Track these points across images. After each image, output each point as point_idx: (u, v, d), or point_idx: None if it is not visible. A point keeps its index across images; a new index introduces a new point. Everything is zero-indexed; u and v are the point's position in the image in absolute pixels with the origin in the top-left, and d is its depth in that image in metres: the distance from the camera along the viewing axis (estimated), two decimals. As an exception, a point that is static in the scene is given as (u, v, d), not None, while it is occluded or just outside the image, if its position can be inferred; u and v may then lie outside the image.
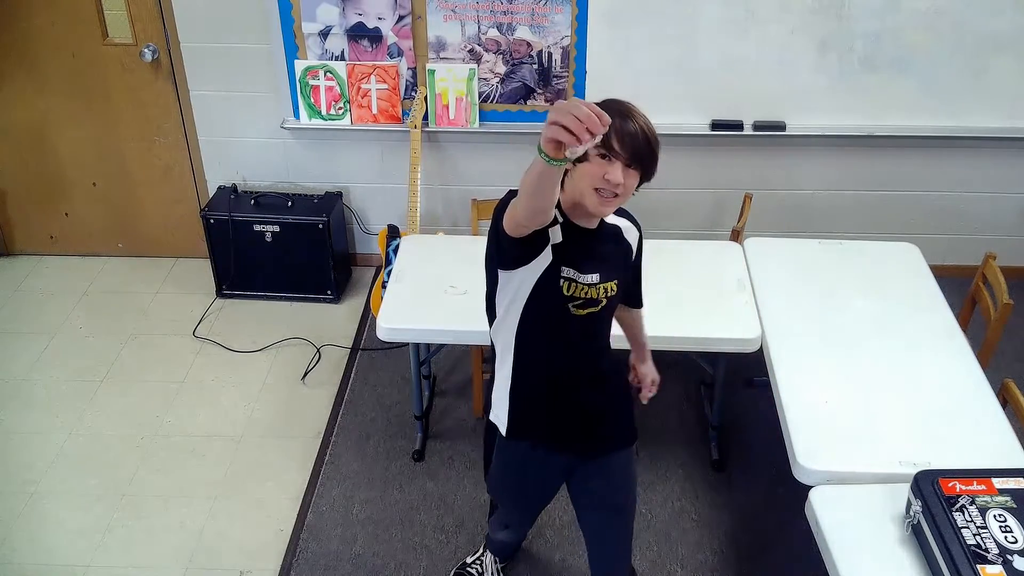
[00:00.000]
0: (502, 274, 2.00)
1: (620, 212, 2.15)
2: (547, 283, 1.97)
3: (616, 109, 1.89)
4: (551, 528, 2.96)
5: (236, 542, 2.97)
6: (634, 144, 1.89)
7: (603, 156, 1.87)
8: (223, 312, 4.06)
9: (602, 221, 2.07)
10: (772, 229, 4.04)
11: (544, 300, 2.00)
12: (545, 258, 1.94)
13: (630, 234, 2.17)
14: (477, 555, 2.84)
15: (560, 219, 1.97)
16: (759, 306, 2.93)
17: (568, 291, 1.98)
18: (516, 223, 1.82)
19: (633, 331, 2.42)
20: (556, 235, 1.95)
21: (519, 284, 1.99)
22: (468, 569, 2.81)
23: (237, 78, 3.88)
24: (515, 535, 2.77)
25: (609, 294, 2.06)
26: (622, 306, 2.26)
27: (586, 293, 2.01)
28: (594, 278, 2.01)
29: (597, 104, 1.60)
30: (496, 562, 2.81)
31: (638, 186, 1.97)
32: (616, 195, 1.91)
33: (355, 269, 4.35)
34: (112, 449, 3.32)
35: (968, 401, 2.54)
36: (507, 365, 2.14)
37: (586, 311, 2.03)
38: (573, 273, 1.98)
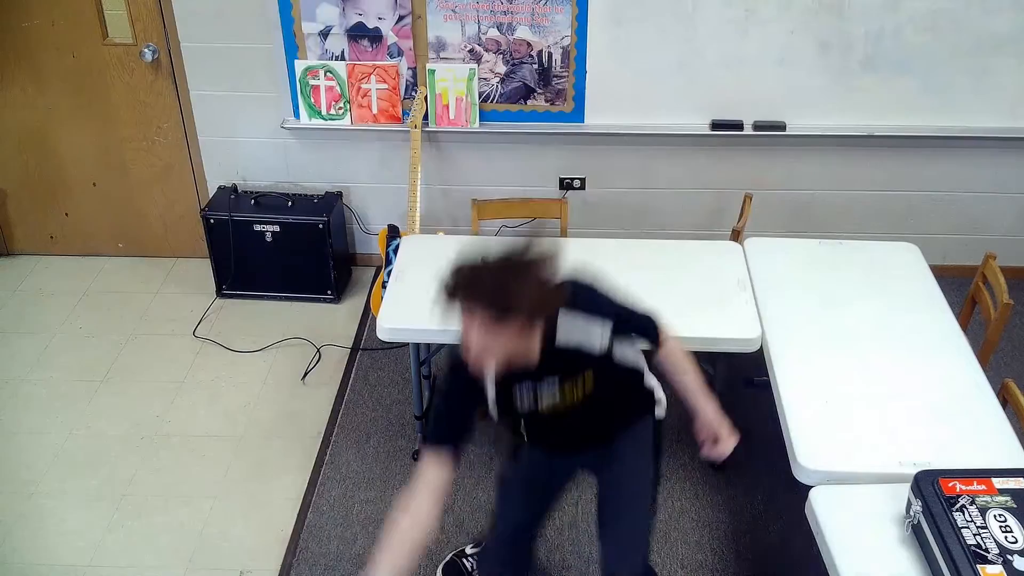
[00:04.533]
0: None
1: (577, 306, 1.94)
2: (508, 404, 2.00)
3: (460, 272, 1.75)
4: (551, 528, 2.96)
5: (236, 542, 2.97)
6: (480, 293, 1.71)
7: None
8: (223, 312, 4.06)
9: (550, 347, 1.90)
10: (772, 229, 4.04)
11: (514, 413, 2.03)
12: (489, 394, 1.95)
13: (594, 337, 1.96)
14: (475, 546, 2.84)
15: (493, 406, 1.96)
16: (759, 306, 2.92)
17: (530, 405, 2.00)
18: None
19: (674, 377, 2.14)
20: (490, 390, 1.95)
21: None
22: (464, 560, 2.81)
23: (237, 78, 3.88)
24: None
25: (582, 389, 1.99)
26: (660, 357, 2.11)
27: (553, 400, 1.99)
28: (552, 383, 1.98)
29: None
30: None
31: (546, 345, 1.85)
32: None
33: (355, 269, 4.35)
34: (112, 449, 3.32)
35: (968, 401, 2.53)
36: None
37: (564, 410, 2.02)
38: (529, 385, 1.97)
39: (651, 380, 2.23)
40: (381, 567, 1.78)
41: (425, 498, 1.87)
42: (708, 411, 2.09)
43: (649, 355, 2.14)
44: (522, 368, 1.88)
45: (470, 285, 1.71)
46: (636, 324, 2.08)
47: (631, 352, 2.11)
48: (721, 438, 2.06)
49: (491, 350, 1.75)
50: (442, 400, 2.01)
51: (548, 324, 1.84)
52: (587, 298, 1.97)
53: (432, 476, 1.89)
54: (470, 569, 2.79)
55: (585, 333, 1.94)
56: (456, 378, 1.97)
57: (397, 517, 1.84)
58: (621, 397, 2.18)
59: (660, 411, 2.27)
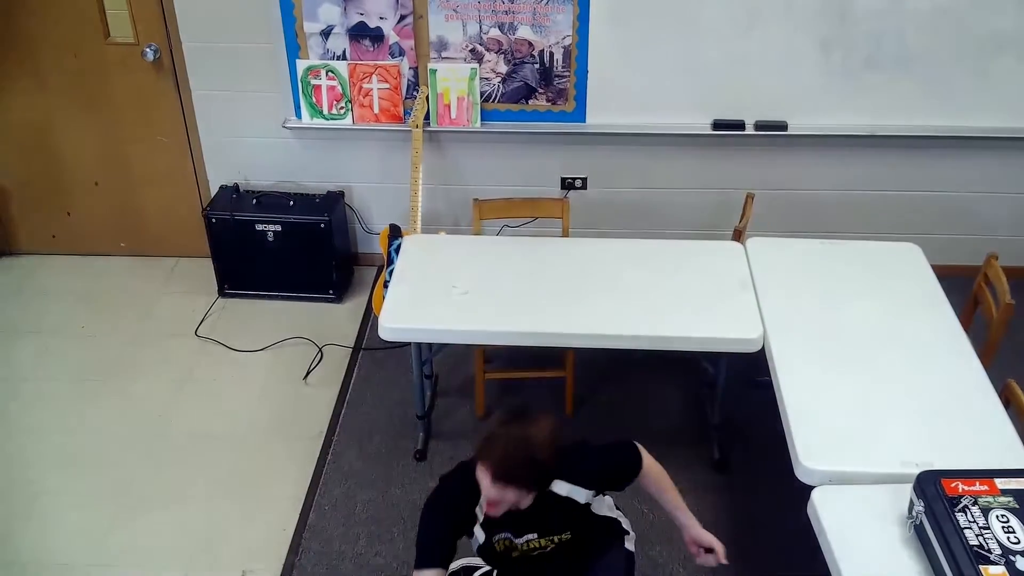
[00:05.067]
0: None
1: (574, 477, 2.10)
2: (487, 549, 2.14)
3: (505, 422, 1.98)
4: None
5: (238, 541, 2.97)
6: (495, 464, 1.92)
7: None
8: (225, 311, 4.06)
9: (544, 494, 2.06)
10: (774, 229, 4.04)
11: (490, 554, 2.15)
12: (478, 538, 2.11)
13: (582, 497, 2.13)
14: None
15: (480, 516, 2.07)
16: (761, 306, 2.92)
17: (507, 546, 2.11)
18: None
19: (658, 495, 2.28)
20: (479, 535, 2.10)
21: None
22: None
23: (239, 78, 3.88)
24: None
25: (558, 542, 2.13)
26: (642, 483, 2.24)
27: (527, 546, 2.12)
28: (531, 536, 2.11)
29: (508, 414, 1.97)
30: None
31: (537, 495, 2.01)
32: (499, 502, 1.97)
33: (357, 269, 4.35)
34: (114, 448, 3.32)
35: (970, 401, 2.53)
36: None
37: (536, 553, 2.14)
38: (507, 535, 2.10)
39: (618, 514, 2.36)
40: None
41: None
42: (694, 527, 2.24)
43: (628, 482, 2.24)
44: (510, 514, 2.03)
45: (488, 454, 1.94)
46: (620, 466, 2.20)
47: (606, 505, 2.31)
48: (714, 548, 2.20)
49: (500, 501, 1.97)
50: (431, 524, 2.08)
51: (541, 488, 2.02)
52: (574, 463, 2.12)
53: None
54: None
55: (571, 493, 2.10)
56: (447, 504, 2.09)
57: None
58: (591, 539, 2.26)
59: (630, 543, 2.34)
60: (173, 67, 3.89)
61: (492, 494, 1.94)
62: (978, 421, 2.46)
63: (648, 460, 2.23)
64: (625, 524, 2.36)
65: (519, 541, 2.11)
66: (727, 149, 3.96)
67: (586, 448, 2.19)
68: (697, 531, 2.24)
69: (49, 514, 3.06)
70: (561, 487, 2.09)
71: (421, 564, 2.02)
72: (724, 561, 2.21)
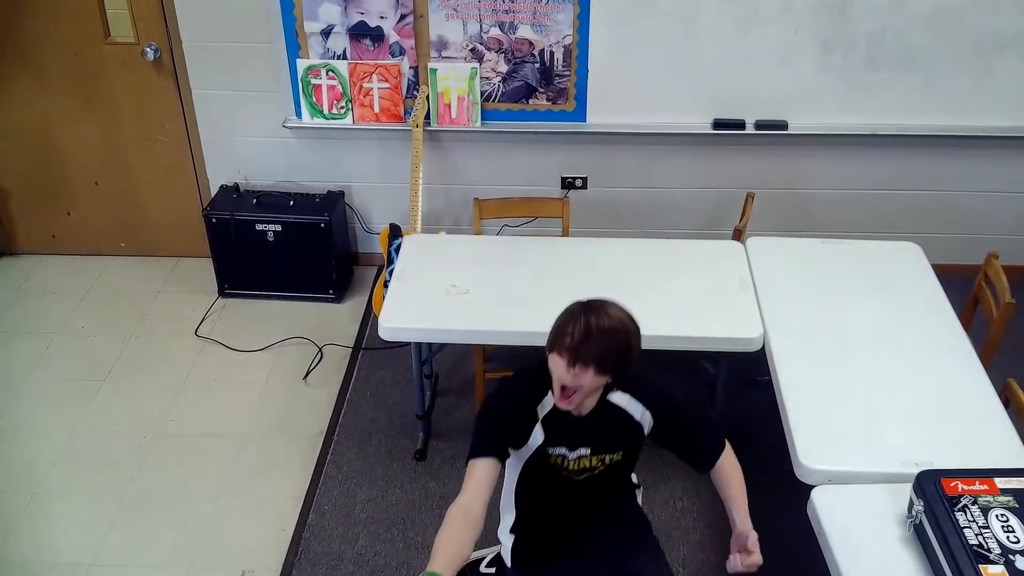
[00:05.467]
0: None
1: (633, 389, 2.10)
2: (538, 458, 2.09)
3: (580, 307, 1.93)
4: None
5: (238, 541, 2.97)
6: (574, 345, 1.88)
7: (562, 357, 1.91)
8: (225, 311, 4.06)
9: (603, 402, 2.06)
10: (774, 228, 4.04)
11: (537, 470, 2.11)
12: (535, 439, 2.05)
13: (637, 412, 2.11)
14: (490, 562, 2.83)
15: (544, 411, 2.05)
16: (761, 305, 2.92)
17: (559, 464, 2.09)
18: None
19: (721, 489, 2.20)
20: (537, 435, 2.05)
21: (512, 458, 2.10)
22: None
23: (239, 77, 3.88)
24: None
25: (608, 463, 2.12)
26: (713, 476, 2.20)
27: (578, 464, 2.10)
28: (584, 451, 2.09)
29: (580, 302, 1.92)
30: None
31: (614, 385, 2.03)
32: (573, 392, 1.94)
33: (357, 268, 4.35)
34: (114, 448, 3.33)
35: (970, 401, 2.53)
36: (507, 513, 2.27)
37: (583, 476, 2.13)
38: (562, 451, 2.08)
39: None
40: (437, 560, 1.79)
41: (481, 490, 1.93)
42: (747, 527, 2.09)
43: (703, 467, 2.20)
44: (567, 425, 2.04)
45: (564, 338, 1.90)
46: (687, 442, 2.18)
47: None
48: (752, 552, 2.03)
49: (575, 389, 1.93)
50: (491, 418, 2.06)
51: (616, 376, 1.97)
52: (646, 383, 2.12)
53: (483, 470, 1.95)
54: None
55: (628, 406, 2.09)
56: (508, 398, 2.09)
57: (451, 514, 1.89)
58: (617, 496, 2.29)
59: (639, 497, 2.39)
60: (173, 67, 3.89)
61: (568, 380, 1.90)
62: (978, 421, 2.46)
63: (731, 457, 2.20)
64: (635, 477, 2.37)
65: (572, 456, 2.08)
66: (727, 149, 3.96)
67: (672, 393, 2.14)
68: (748, 532, 2.08)
69: (49, 514, 3.06)
70: (620, 398, 2.08)
71: (476, 454, 1.98)
72: (752, 567, 2.04)
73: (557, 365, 1.92)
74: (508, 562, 2.30)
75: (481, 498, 1.92)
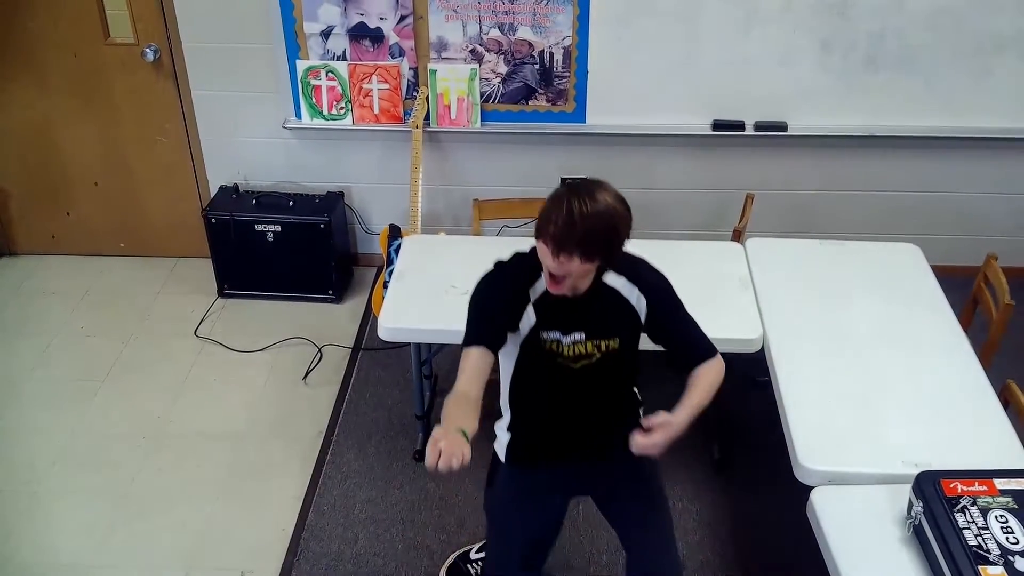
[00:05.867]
0: None
1: (628, 272, 2.06)
2: (532, 344, 2.03)
3: (565, 191, 1.87)
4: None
5: (237, 541, 2.97)
6: (557, 233, 1.83)
7: (547, 246, 1.88)
8: (224, 312, 4.06)
9: (597, 283, 2.02)
10: (774, 229, 4.04)
11: (533, 357, 2.05)
12: (528, 322, 2.00)
13: (632, 296, 2.07)
14: (479, 549, 2.83)
15: (536, 294, 2.01)
16: (760, 306, 2.92)
17: (554, 350, 2.03)
18: None
19: (688, 388, 2.06)
20: (529, 317, 2.01)
21: (508, 346, 2.04)
22: (469, 565, 2.80)
23: (239, 78, 3.88)
24: None
25: (604, 350, 2.05)
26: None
27: (573, 350, 2.04)
28: (579, 336, 2.03)
29: (569, 180, 1.85)
30: None
31: (606, 267, 1.99)
32: (563, 278, 1.91)
33: (356, 269, 4.35)
34: (114, 448, 3.33)
35: (970, 402, 2.53)
36: (507, 403, 2.21)
37: (579, 364, 2.05)
38: (556, 335, 2.02)
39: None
40: (450, 423, 1.76)
41: (474, 378, 1.90)
42: (680, 417, 1.95)
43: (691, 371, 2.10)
44: (560, 309, 1.99)
45: (551, 222, 1.85)
46: (674, 337, 2.11)
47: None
48: (650, 431, 1.90)
49: (564, 275, 1.90)
50: (483, 303, 2.02)
51: (606, 258, 1.93)
52: (641, 268, 2.09)
53: (476, 359, 1.91)
54: (475, 574, 2.79)
55: (624, 289, 2.05)
56: (500, 282, 2.05)
57: (449, 400, 1.86)
58: (617, 400, 2.21)
59: (642, 412, 2.28)
60: (173, 67, 3.89)
61: (554, 268, 1.87)
62: (977, 421, 2.46)
63: (719, 367, 2.08)
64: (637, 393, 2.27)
65: (567, 341, 2.02)
66: (727, 149, 3.96)
67: (669, 284, 2.11)
68: (676, 420, 1.93)
69: (49, 514, 3.06)
70: (616, 280, 2.04)
71: (468, 342, 1.94)
72: (643, 446, 1.89)
73: (544, 253, 1.88)
74: (502, 458, 2.25)
75: (476, 385, 1.89)
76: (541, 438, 2.22)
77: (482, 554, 2.82)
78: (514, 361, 2.10)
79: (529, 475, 2.26)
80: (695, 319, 2.13)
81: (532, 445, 2.23)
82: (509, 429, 2.23)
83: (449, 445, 1.65)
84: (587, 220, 1.82)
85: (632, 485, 2.26)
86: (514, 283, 2.02)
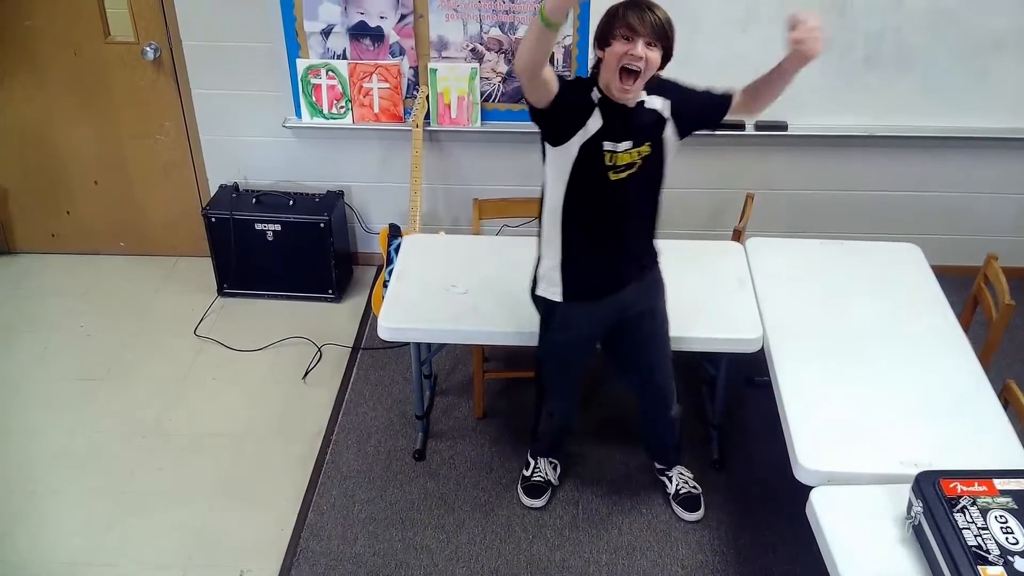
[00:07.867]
0: (552, 151, 2.37)
1: (656, 90, 2.40)
2: (590, 152, 2.32)
3: (635, 2, 2.22)
4: (551, 528, 2.96)
5: (236, 541, 2.97)
6: (653, 23, 2.20)
7: (626, 38, 2.19)
8: (224, 311, 4.06)
9: (639, 104, 2.37)
10: (774, 229, 4.04)
11: (586, 167, 2.34)
12: (594, 124, 2.30)
13: (659, 104, 2.42)
14: (532, 467, 3.07)
15: (597, 98, 2.31)
16: (760, 306, 2.92)
17: (608, 160, 2.33)
18: (527, 88, 2.20)
19: (761, 82, 2.62)
20: (596, 119, 2.31)
21: (566, 156, 2.34)
22: (533, 479, 3.04)
23: (239, 77, 3.88)
24: (563, 421, 2.97)
25: (643, 155, 2.38)
26: (743, 101, 2.60)
27: (624, 159, 2.36)
28: (627, 144, 2.34)
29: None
30: (551, 463, 3.09)
31: (661, 67, 2.29)
32: (637, 76, 2.21)
33: (356, 268, 4.35)
34: (113, 447, 3.32)
35: (970, 402, 2.53)
36: (556, 237, 2.48)
37: (624, 174, 2.37)
38: (610, 145, 2.33)
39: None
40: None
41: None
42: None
43: (744, 103, 2.62)
44: (614, 120, 2.33)
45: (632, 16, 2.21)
46: (702, 98, 2.56)
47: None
48: (812, 20, 2.33)
49: (643, 71, 2.25)
50: (569, 84, 2.31)
51: (668, 57, 2.31)
52: (672, 81, 2.50)
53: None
54: (545, 477, 3.05)
55: (661, 104, 2.42)
56: (577, 85, 2.35)
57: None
58: (651, 216, 2.55)
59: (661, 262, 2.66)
60: (173, 66, 3.89)
61: (637, 51, 2.18)
62: (977, 421, 2.46)
63: (736, 92, 2.58)
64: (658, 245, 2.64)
65: (620, 149, 2.33)
66: (727, 149, 3.96)
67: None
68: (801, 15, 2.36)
69: (49, 514, 3.06)
70: (652, 100, 2.40)
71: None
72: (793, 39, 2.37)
73: (617, 51, 2.19)
74: (560, 298, 2.53)
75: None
76: (593, 262, 2.51)
77: (532, 467, 3.07)
78: (565, 182, 2.38)
79: (583, 307, 2.57)
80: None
81: (588, 273, 2.52)
82: (561, 267, 2.50)
83: None
84: (656, 10, 2.22)
85: (652, 302, 2.66)
86: (588, 87, 2.34)
